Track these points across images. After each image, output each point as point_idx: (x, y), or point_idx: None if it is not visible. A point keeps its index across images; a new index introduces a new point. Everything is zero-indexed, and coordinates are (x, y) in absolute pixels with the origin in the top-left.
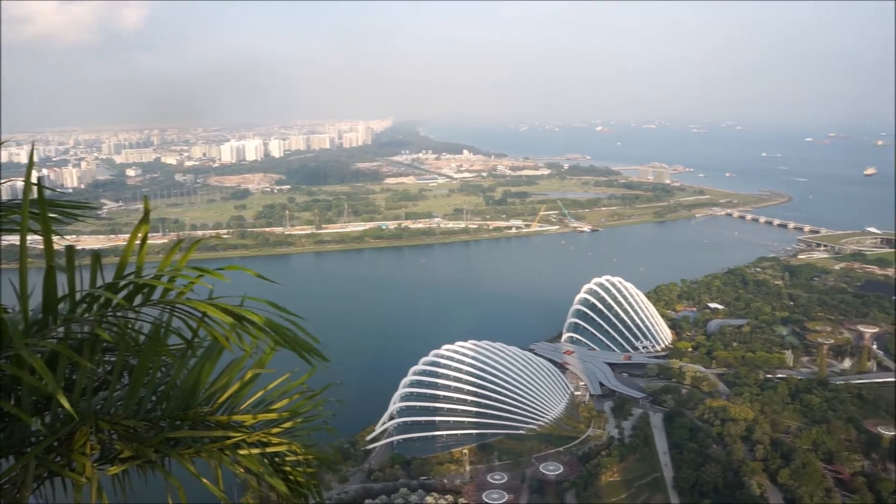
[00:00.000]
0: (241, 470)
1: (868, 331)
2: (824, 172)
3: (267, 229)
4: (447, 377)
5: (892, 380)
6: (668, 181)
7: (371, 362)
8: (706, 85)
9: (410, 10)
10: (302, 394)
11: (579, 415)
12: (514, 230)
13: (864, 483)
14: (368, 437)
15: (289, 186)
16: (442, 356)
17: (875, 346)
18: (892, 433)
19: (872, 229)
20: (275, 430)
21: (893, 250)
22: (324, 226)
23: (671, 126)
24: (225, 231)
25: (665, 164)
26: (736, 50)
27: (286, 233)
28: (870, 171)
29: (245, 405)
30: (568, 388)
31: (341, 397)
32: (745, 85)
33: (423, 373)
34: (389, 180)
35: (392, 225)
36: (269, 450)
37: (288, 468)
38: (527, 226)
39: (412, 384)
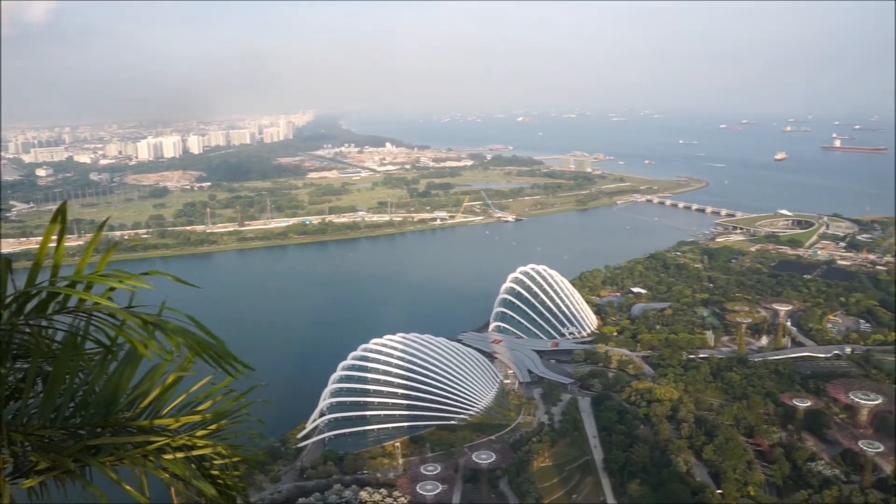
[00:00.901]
0: (167, 475)
1: (782, 308)
2: (739, 158)
3: (188, 228)
4: (377, 371)
5: (806, 354)
6: (589, 169)
7: (300, 359)
8: (623, 75)
9: (328, 3)
10: (226, 395)
11: (509, 403)
12: (438, 222)
13: (782, 453)
14: (299, 436)
15: (209, 183)
16: (371, 350)
17: (789, 323)
18: (807, 405)
19: (784, 211)
20: (200, 433)
21: (804, 231)
22: (246, 223)
23: (591, 115)
24: (144, 231)
25: (586, 153)
26: (652, 42)
27: (208, 231)
28: (780, 155)
29: (168, 409)
30: (497, 376)
31: (269, 396)
32: (659, 75)
33: (353, 367)
34: (312, 175)
35: (316, 220)
36: (194, 453)
37: (216, 471)
38: (451, 217)
39: (341, 380)
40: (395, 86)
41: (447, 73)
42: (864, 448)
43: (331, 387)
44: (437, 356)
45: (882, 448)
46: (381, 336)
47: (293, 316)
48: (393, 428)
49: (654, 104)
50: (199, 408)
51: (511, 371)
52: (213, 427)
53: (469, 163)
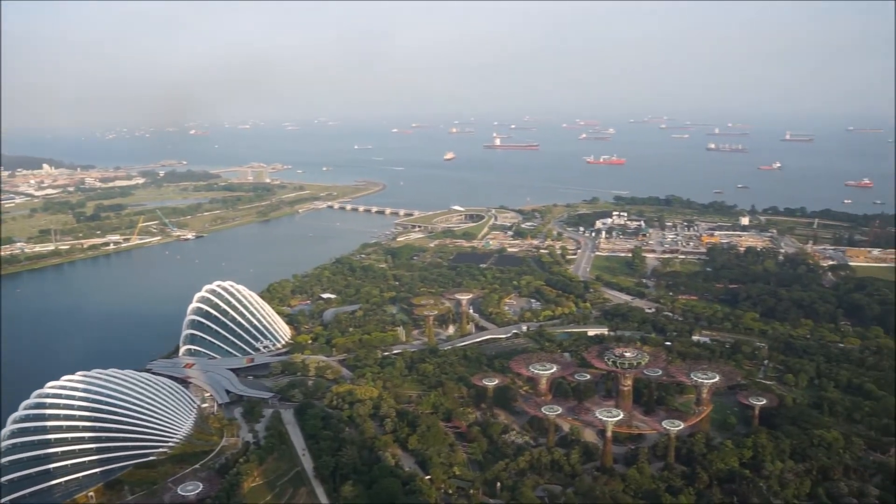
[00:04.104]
0: None
1: (464, 297)
2: (413, 159)
3: None
4: (57, 418)
5: (489, 337)
6: (268, 180)
7: None
8: (297, 86)
9: None
10: None
11: (210, 427)
12: (112, 246)
13: (479, 431)
14: None
15: None
16: (47, 396)
17: (471, 310)
18: (495, 383)
19: (457, 207)
20: None
21: (477, 224)
22: None
23: (265, 125)
24: None
25: (264, 164)
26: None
27: None
28: (449, 155)
29: None
30: (194, 402)
31: None
32: (339, 85)
33: (27, 418)
34: None
35: None
36: None
37: None
38: (126, 240)
39: (15, 434)
40: (59, 100)
41: (106, 86)
42: (546, 413)
43: (3, 444)
44: (125, 391)
45: (560, 410)
46: (57, 378)
47: None
48: (84, 477)
49: (329, 113)
50: None
51: (208, 394)
52: None
53: (141, 181)
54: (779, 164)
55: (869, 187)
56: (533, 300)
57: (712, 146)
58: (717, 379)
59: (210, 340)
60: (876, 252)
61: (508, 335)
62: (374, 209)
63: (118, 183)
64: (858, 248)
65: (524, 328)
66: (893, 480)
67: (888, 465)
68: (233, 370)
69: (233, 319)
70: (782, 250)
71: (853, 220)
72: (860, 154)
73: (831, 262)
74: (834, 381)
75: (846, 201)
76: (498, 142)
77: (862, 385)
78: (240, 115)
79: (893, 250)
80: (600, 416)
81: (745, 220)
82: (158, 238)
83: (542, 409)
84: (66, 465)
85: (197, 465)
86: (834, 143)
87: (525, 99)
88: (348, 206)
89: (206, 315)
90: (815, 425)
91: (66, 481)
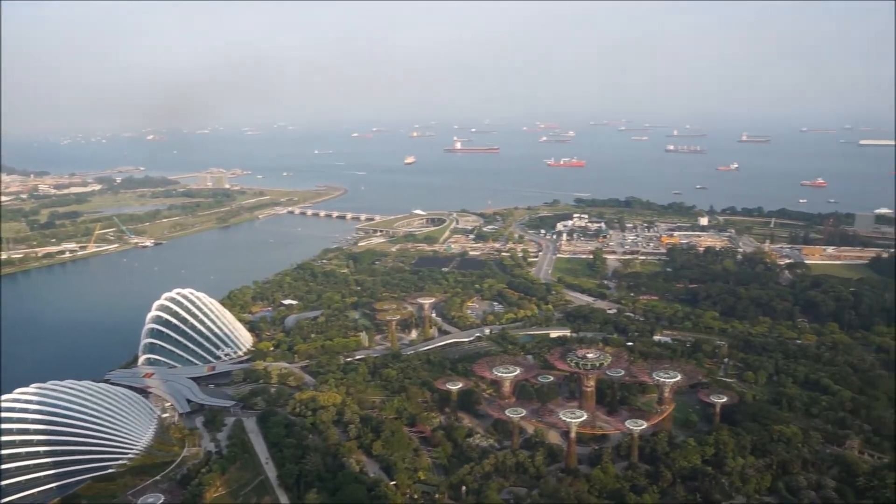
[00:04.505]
0: None
1: (426, 302)
2: (374, 164)
3: None
4: (10, 433)
5: (452, 340)
6: (228, 185)
7: None
8: (253, 89)
9: None
10: None
11: (171, 437)
12: (68, 254)
13: (443, 435)
14: None
15: None
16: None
17: (434, 314)
18: (459, 386)
19: (418, 211)
20: None
21: (438, 227)
22: None
23: (224, 130)
24: None
25: (223, 169)
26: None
27: None
28: (410, 159)
29: None
30: (154, 412)
31: None
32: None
33: None
34: None
35: None
36: None
37: None
38: (83, 248)
39: None
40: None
41: (60, 88)
42: (510, 416)
43: None
44: (82, 402)
45: (524, 412)
46: (10, 391)
47: None
48: (39, 493)
49: (289, 117)
50: None
51: (168, 404)
52: None
53: (97, 187)
54: (736, 165)
55: (823, 186)
56: (495, 303)
57: (671, 148)
58: (678, 378)
59: (170, 349)
60: (830, 250)
61: (471, 338)
62: (336, 214)
63: (73, 190)
64: (814, 247)
65: (487, 331)
66: (849, 472)
67: (844, 458)
68: (193, 379)
69: (193, 327)
70: (740, 250)
71: (808, 219)
72: (816, 154)
73: (788, 261)
74: (792, 377)
75: (801, 200)
76: (459, 145)
77: (819, 380)
78: (232, 117)
79: (848, 248)
80: (564, 418)
81: (703, 221)
82: (116, 245)
83: (506, 412)
84: (21, 482)
85: (158, 477)
86: (789, 144)
87: (484, 103)
88: (309, 212)
89: (166, 323)
90: (774, 421)
91: (20, 497)
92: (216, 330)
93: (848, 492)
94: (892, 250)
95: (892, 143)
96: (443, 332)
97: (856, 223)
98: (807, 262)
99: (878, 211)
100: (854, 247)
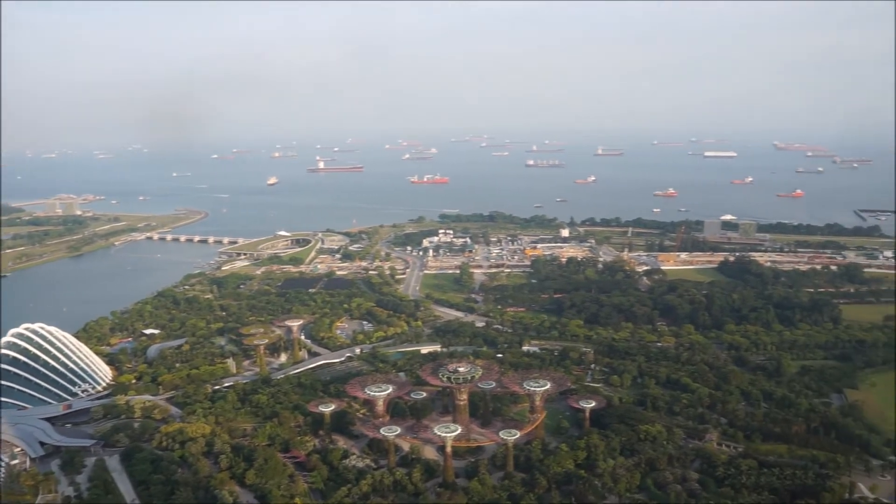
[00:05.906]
0: None
1: (295, 324)
2: (236, 185)
3: None
4: None
5: (323, 362)
6: (79, 212)
7: None
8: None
9: None
10: None
11: (22, 486)
12: None
13: (318, 459)
14: None
15: None
16: None
17: (303, 336)
18: (331, 408)
19: (283, 232)
20: None
21: (303, 248)
22: None
23: (73, 154)
24: None
25: (74, 195)
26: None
27: None
28: (272, 180)
29: None
30: (1, 459)
31: None
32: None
33: None
34: None
35: None
36: None
37: None
38: None
39: None
40: None
41: None
42: (385, 434)
43: None
44: None
45: (399, 430)
46: None
47: None
48: None
49: (141, 140)
50: None
51: (18, 449)
52: None
53: None
54: (594, 178)
55: (674, 196)
56: (365, 322)
57: (531, 162)
58: (548, 386)
59: (19, 390)
60: (684, 256)
61: (342, 359)
62: (197, 238)
63: None
64: (668, 253)
65: (357, 351)
66: (710, 464)
67: (705, 450)
68: (47, 419)
69: (45, 364)
70: (601, 259)
71: (662, 227)
72: (666, 166)
73: (646, 268)
74: (654, 378)
75: (655, 210)
76: (322, 165)
77: (679, 379)
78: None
79: (699, 253)
80: (439, 433)
81: (565, 232)
82: None
83: (381, 431)
84: None
85: None
86: (642, 157)
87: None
88: (169, 237)
89: (13, 362)
90: (640, 421)
91: None
92: (71, 365)
93: (709, 482)
94: (738, 254)
95: (734, 154)
96: (313, 354)
97: (705, 230)
98: (663, 268)
99: (723, 217)
100: (704, 252)
